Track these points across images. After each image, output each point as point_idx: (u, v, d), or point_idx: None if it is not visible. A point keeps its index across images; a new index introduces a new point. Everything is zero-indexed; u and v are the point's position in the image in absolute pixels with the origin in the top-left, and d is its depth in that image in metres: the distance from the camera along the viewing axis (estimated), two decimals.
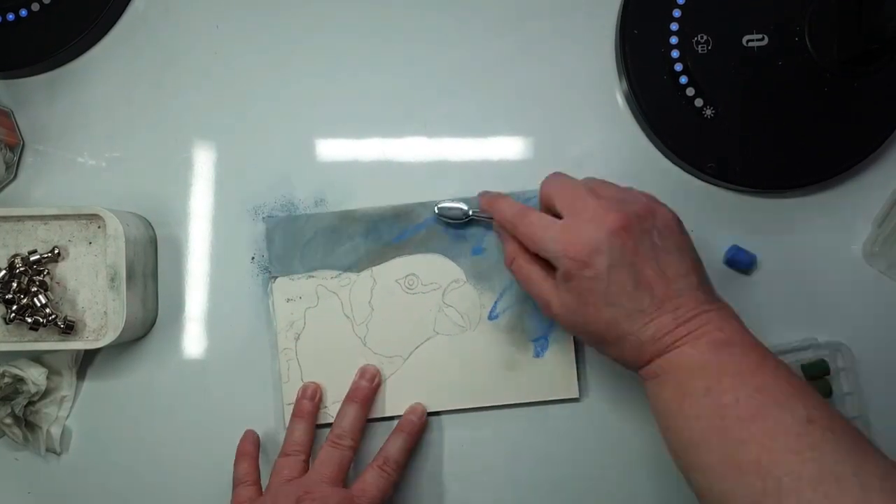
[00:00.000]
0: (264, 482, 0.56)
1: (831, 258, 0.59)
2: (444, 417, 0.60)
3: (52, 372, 0.60)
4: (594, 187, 0.50)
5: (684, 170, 0.60)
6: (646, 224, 0.48)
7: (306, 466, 0.56)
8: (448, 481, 0.59)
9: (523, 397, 0.59)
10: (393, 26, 0.62)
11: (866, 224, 0.59)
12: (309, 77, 0.62)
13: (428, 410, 0.59)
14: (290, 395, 0.59)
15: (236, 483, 0.57)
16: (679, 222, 0.50)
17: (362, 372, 0.58)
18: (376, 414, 0.59)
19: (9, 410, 0.58)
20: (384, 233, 0.60)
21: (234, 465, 0.58)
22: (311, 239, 0.60)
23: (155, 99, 0.62)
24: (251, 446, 0.58)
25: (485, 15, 0.62)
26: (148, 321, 0.60)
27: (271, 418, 0.60)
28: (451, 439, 0.59)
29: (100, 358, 0.61)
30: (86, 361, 0.61)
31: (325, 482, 0.54)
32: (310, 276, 0.60)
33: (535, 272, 0.52)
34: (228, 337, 0.61)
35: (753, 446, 0.42)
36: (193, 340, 0.61)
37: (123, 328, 0.55)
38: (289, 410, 0.58)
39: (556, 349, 0.59)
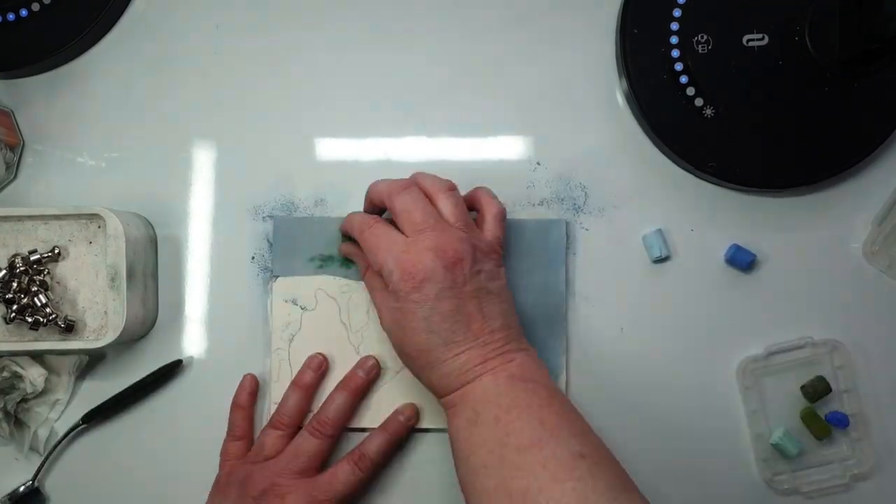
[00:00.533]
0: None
1: (831, 257, 0.60)
2: (432, 435, 0.59)
3: (52, 373, 0.60)
4: (443, 211, 0.52)
5: (684, 169, 0.60)
6: (479, 265, 0.51)
7: (288, 442, 0.56)
8: (441, 499, 0.59)
9: None
10: (393, 26, 0.62)
11: (866, 223, 0.60)
12: (309, 77, 0.62)
13: (419, 426, 0.58)
14: (278, 394, 0.59)
15: (227, 434, 0.59)
16: (502, 268, 0.53)
17: (361, 362, 0.59)
18: (362, 424, 0.59)
19: (1, 405, 0.58)
20: None
21: (230, 413, 0.59)
22: (316, 242, 0.60)
23: (155, 99, 0.62)
24: (246, 397, 0.59)
25: (485, 15, 0.62)
26: (148, 321, 0.60)
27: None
28: (441, 457, 0.59)
29: (99, 358, 0.61)
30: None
31: (294, 474, 0.54)
32: (311, 280, 0.60)
33: (377, 283, 0.53)
34: (228, 337, 0.61)
35: (525, 474, 0.45)
36: (193, 340, 0.61)
37: (124, 328, 0.55)
38: (273, 408, 0.58)
39: (550, 356, 0.58)
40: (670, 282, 0.60)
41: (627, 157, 0.61)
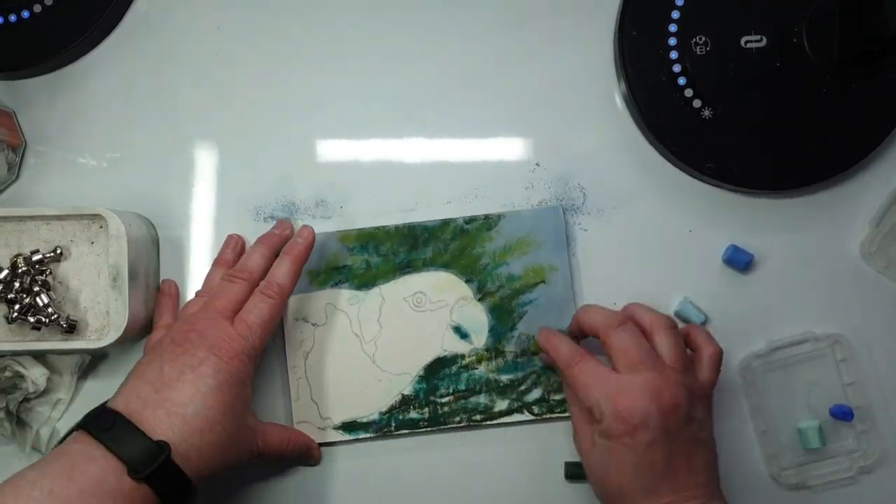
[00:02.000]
0: None
1: (829, 258, 0.60)
2: (450, 435, 0.60)
3: (54, 373, 0.60)
4: (661, 351, 0.51)
5: (683, 170, 0.60)
6: (693, 412, 0.49)
7: None
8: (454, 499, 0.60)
9: (531, 414, 0.59)
10: (393, 27, 0.62)
11: (864, 224, 0.60)
12: (309, 78, 0.62)
13: (434, 427, 0.59)
14: (300, 413, 0.59)
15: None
16: (711, 414, 0.51)
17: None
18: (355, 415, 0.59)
19: (3, 404, 0.58)
20: (393, 251, 0.60)
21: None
22: (321, 257, 0.60)
23: (156, 99, 0.63)
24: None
25: (484, 16, 0.62)
26: (150, 321, 0.60)
27: (270, 417, 0.60)
28: (463, 459, 0.59)
29: (101, 358, 0.61)
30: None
31: (210, 313, 0.53)
32: (319, 295, 0.60)
33: (583, 415, 0.52)
34: None
35: None
36: None
37: (126, 328, 0.56)
38: (300, 428, 0.58)
39: None
40: (669, 281, 0.60)
41: (626, 158, 0.61)
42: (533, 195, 0.60)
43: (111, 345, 0.56)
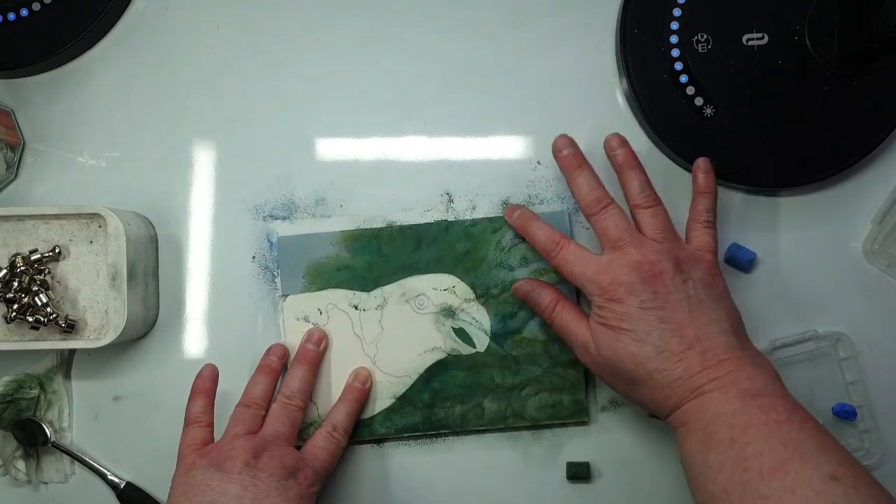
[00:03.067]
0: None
1: (831, 256, 0.60)
2: (450, 438, 0.60)
3: (45, 381, 0.60)
4: (643, 226, 0.53)
5: (685, 168, 0.60)
6: (680, 277, 0.50)
7: (262, 422, 0.56)
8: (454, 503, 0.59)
9: (532, 420, 0.58)
10: (393, 26, 0.62)
11: (866, 222, 0.60)
12: (309, 77, 0.62)
13: (435, 431, 0.59)
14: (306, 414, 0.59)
15: (188, 422, 0.56)
16: (717, 275, 0.52)
17: (308, 336, 0.58)
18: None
19: (15, 447, 0.59)
20: (395, 252, 0.59)
21: (189, 402, 0.56)
22: (323, 257, 0.60)
23: (155, 98, 0.62)
24: (209, 383, 0.57)
25: (485, 15, 0.62)
26: (149, 320, 0.60)
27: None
28: (465, 461, 0.59)
29: (100, 357, 0.61)
30: (86, 361, 0.61)
31: (281, 440, 0.54)
32: (320, 295, 0.59)
33: (573, 318, 0.54)
34: (229, 336, 0.61)
35: (772, 502, 0.42)
36: (194, 340, 0.61)
37: (124, 327, 0.56)
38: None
39: (567, 371, 0.58)
40: None
41: None
42: (534, 193, 0.60)
43: (110, 344, 0.56)
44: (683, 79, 0.58)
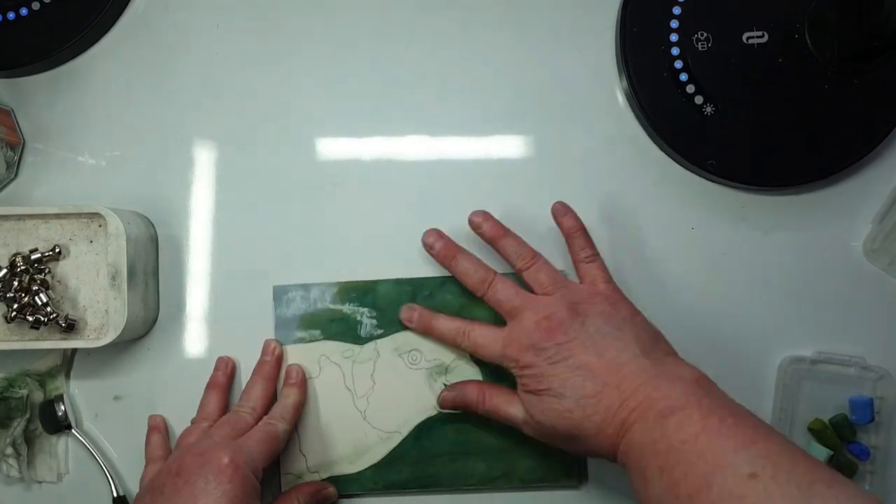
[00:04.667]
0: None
1: (831, 255, 0.60)
2: (440, 497, 0.59)
3: (45, 379, 0.60)
4: (531, 286, 0.54)
5: (685, 167, 0.60)
6: (578, 320, 0.51)
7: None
8: None
9: (522, 481, 0.58)
10: (393, 26, 0.62)
11: (866, 221, 0.60)
12: (309, 77, 0.62)
13: (424, 489, 0.58)
14: (288, 465, 0.58)
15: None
16: (617, 301, 0.52)
17: (264, 347, 0.59)
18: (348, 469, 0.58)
19: (9, 440, 0.58)
20: (390, 305, 0.59)
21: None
22: (318, 308, 0.59)
23: (155, 98, 0.62)
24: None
25: (484, 15, 0.62)
26: (149, 320, 0.60)
27: None
28: None
29: (100, 357, 0.61)
30: (86, 360, 0.61)
31: (213, 440, 0.53)
32: (314, 347, 0.59)
33: (503, 400, 0.54)
34: (229, 336, 0.61)
35: None
36: (194, 340, 0.61)
37: (125, 327, 0.55)
38: (286, 480, 0.58)
39: None
40: (669, 280, 0.60)
41: (627, 155, 0.60)
42: (534, 193, 0.60)
43: (110, 344, 0.56)
44: (683, 77, 0.58)
